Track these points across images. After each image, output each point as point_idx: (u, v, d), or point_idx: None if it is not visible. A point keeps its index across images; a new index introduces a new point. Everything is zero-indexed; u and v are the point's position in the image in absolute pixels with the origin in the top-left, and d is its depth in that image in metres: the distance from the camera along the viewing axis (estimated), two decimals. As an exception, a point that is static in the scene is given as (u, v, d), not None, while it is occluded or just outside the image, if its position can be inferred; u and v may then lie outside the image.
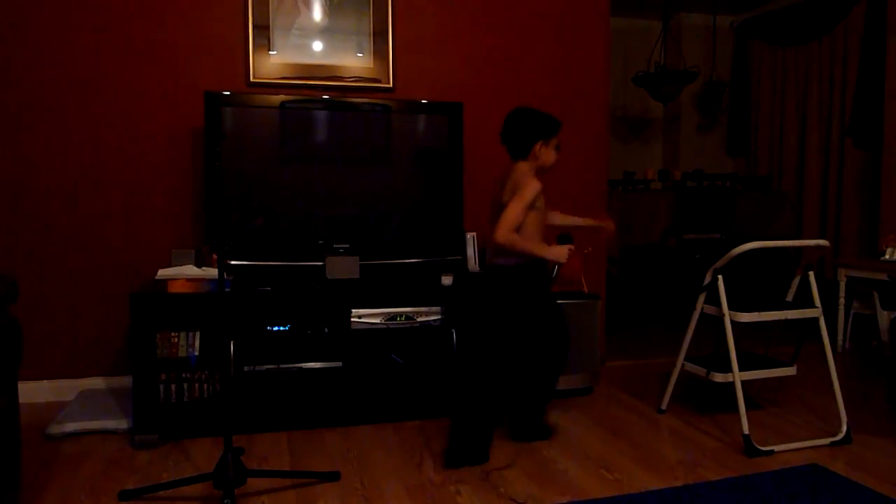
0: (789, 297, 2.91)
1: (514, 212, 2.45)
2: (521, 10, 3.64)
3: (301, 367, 2.82)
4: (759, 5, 5.87)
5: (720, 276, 2.71)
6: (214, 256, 2.97)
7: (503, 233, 2.44)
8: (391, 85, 3.43)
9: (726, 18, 6.24)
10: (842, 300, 4.12)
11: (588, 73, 3.76)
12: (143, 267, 3.19)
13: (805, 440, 2.63)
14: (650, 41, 5.89)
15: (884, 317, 3.90)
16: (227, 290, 2.76)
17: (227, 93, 2.97)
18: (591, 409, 3.08)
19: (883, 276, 3.75)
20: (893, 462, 2.47)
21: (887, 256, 3.88)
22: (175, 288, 2.77)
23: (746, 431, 2.55)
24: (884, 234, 4.30)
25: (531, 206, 2.50)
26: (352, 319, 2.89)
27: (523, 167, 2.60)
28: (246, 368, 2.76)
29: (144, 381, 2.63)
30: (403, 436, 2.73)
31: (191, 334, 2.72)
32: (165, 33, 3.20)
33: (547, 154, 2.65)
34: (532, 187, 2.48)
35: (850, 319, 4.20)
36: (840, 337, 4.17)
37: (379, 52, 3.41)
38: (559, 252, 2.55)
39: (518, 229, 2.48)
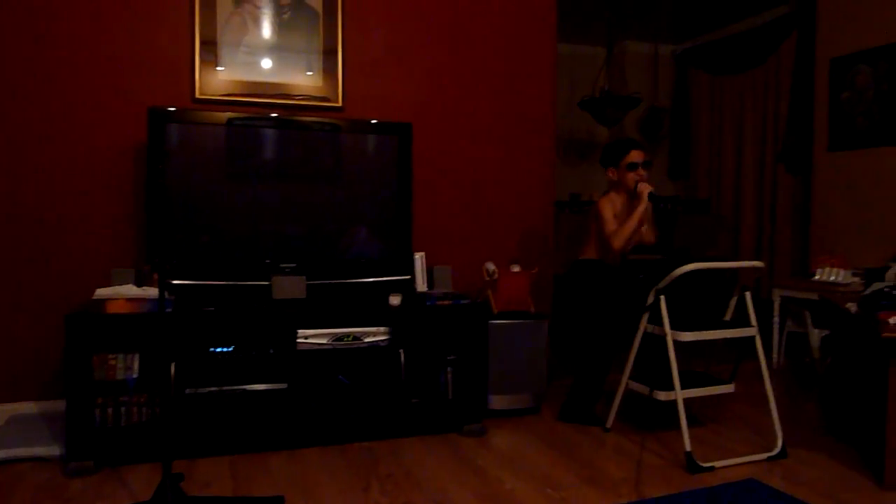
0: (727, 317, 3.01)
1: (606, 228, 3.05)
2: (471, 33, 3.69)
3: (245, 389, 2.76)
4: (697, 35, 6.12)
5: (662, 297, 2.78)
6: (156, 276, 2.89)
7: (616, 242, 3.01)
8: (340, 104, 3.43)
9: (667, 47, 6.48)
10: (776, 319, 4.28)
11: (536, 96, 3.84)
12: (80, 286, 3.06)
13: (743, 456, 2.71)
14: (595, 67, 6.05)
15: (815, 335, 4.05)
16: (169, 310, 2.68)
17: (172, 108, 2.91)
18: (538, 429, 3.10)
19: (814, 296, 3.91)
20: (825, 475, 2.57)
21: (818, 277, 4.05)
22: (113, 308, 2.68)
23: (688, 448, 2.61)
24: (814, 256, 4.49)
25: (614, 216, 3.07)
26: (298, 340, 2.85)
27: (609, 195, 3.16)
28: (187, 391, 2.68)
29: (79, 405, 2.53)
30: (349, 458, 2.70)
31: (129, 356, 2.63)
32: (108, 46, 3.12)
33: (621, 176, 3.08)
34: (600, 207, 3.08)
35: (784, 337, 4.36)
36: (775, 354, 4.32)
37: (329, 71, 3.41)
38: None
39: (614, 232, 3.04)
